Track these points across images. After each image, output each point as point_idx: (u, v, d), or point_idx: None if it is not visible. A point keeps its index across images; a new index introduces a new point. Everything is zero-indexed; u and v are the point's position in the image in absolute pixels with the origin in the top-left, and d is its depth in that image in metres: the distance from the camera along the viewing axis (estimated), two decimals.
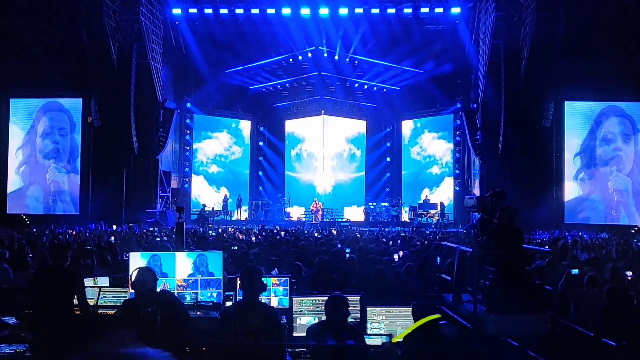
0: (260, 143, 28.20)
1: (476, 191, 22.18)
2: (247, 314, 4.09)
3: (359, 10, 22.44)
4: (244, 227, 18.99)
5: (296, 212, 26.25)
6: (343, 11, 22.40)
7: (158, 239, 13.06)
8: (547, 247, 10.89)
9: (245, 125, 27.83)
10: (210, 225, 20.33)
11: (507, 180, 19.46)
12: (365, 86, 26.88)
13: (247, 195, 26.75)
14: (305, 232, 17.35)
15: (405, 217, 25.47)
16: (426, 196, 25.10)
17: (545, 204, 20.50)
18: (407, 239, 13.83)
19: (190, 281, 5.72)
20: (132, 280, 4.65)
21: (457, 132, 24.82)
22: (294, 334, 5.24)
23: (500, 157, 20.67)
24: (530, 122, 20.63)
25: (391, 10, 22.34)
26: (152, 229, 17.29)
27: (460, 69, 23.64)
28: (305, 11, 22.33)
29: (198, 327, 5.15)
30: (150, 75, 21.21)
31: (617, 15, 19.00)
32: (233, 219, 24.79)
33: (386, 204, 25.62)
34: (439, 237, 14.64)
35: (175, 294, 5.56)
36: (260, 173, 28.03)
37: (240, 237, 14.25)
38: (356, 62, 25.48)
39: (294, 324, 5.28)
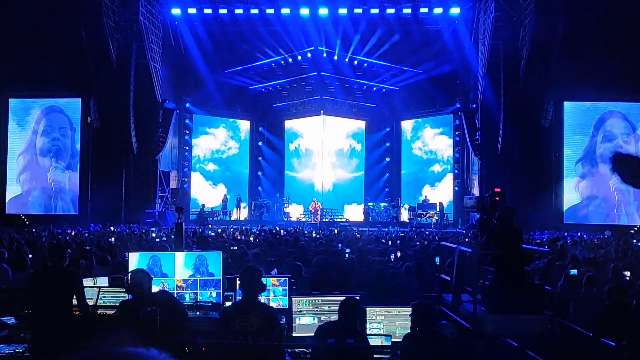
0: (260, 143, 28.19)
1: (475, 191, 22.18)
2: (247, 314, 4.09)
3: (358, 11, 22.46)
4: (243, 228, 18.97)
5: (295, 212, 26.26)
6: (342, 11, 22.40)
7: (158, 239, 13.06)
8: (546, 247, 10.89)
9: (244, 125, 27.82)
10: (209, 226, 20.31)
11: (506, 181, 19.47)
12: (365, 86, 26.90)
13: (246, 195, 26.73)
14: (305, 232, 17.34)
15: (404, 217, 25.48)
16: (425, 196, 25.09)
17: (545, 204, 20.51)
18: (406, 239, 13.83)
19: (189, 281, 5.72)
20: (129, 283, 4.66)
21: (456, 133, 24.83)
22: (294, 334, 5.24)
23: (500, 157, 20.68)
24: (529, 122, 20.63)
25: (390, 11, 22.36)
26: (148, 229, 17.26)
27: (460, 69, 23.65)
28: (304, 11, 22.33)
29: (198, 327, 5.15)
30: (149, 76, 21.20)
31: (616, 15, 19.00)
32: (232, 219, 24.78)
33: (385, 204, 25.63)
34: (438, 238, 14.63)
35: (175, 294, 5.56)
36: (260, 173, 28.02)
37: (240, 237, 14.24)
38: (355, 62, 25.49)
39: (294, 324, 5.28)
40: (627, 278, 7.73)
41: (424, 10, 22.12)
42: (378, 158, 27.98)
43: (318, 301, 5.33)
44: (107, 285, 6.36)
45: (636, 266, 8.76)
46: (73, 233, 15.34)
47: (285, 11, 22.35)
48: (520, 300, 4.92)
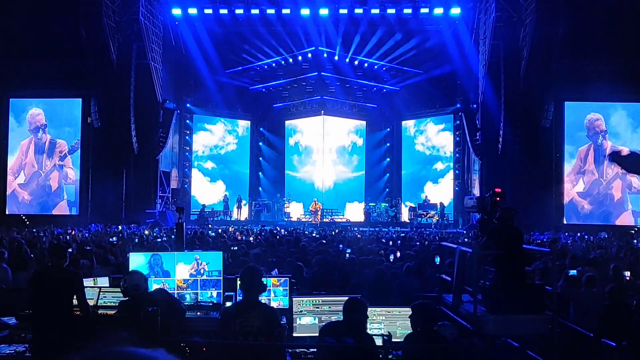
0: (260, 143, 28.19)
1: (476, 191, 22.18)
2: (247, 314, 4.09)
3: (358, 11, 22.47)
4: (243, 228, 18.98)
5: (296, 212, 26.28)
6: (343, 11, 22.41)
7: (158, 240, 13.06)
8: (546, 247, 10.88)
9: (244, 124, 27.82)
10: (210, 226, 20.32)
11: (506, 181, 19.46)
12: (365, 87, 26.90)
13: (246, 195, 26.75)
14: (306, 232, 17.35)
15: (405, 217, 25.49)
16: (426, 196, 25.10)
17: (545, 204, 20.50)
18: (406, 239, 13.83)
19: (190, 282, 5.72)
20: (125, 285, 4.67)
21: (457, 133, 24.82)
22: (294, 334, 5.24)
23: (500, 157, 20.67)
24: (529, 122, 20.63)
25: (391, 11, 22.38)
26: (146, 229, 17.27)
27: (460, 69, 23.64)
28: (305, 11, 22.34)
29: (198, 327, 5.15)
30: (150, 76, 21.20)
31: (616, 16, 18.98)
32: (233, 219, 24.80)
33: (385, 204, 25.65)
34: (439, 238, 14.63)
35: (175, 294, 5.56)
36: (260, 173, 28.03)
37: (240, 237, 14.24)
38: (356, 62, 25.50)
39: (294, 324, 5.28)
40: (627, 278, 7.73)
41: (424, 10, 22.13)
42: (379, 158, 27.99)
43: (319, 301, 5.34)
44: (107, 285, 6.37)
45: (636, 266, 8.76)
46: (73, 233, 15.34)
47: (286, 11, 22.36)
48: (521, 301, 4.92)
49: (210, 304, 5.63)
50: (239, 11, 22.56)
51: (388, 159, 27.84)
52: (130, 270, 5.20)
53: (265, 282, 4.44)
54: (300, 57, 25.47)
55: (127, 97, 20.93)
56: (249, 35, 23.81)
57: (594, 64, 19.97)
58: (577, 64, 20.09)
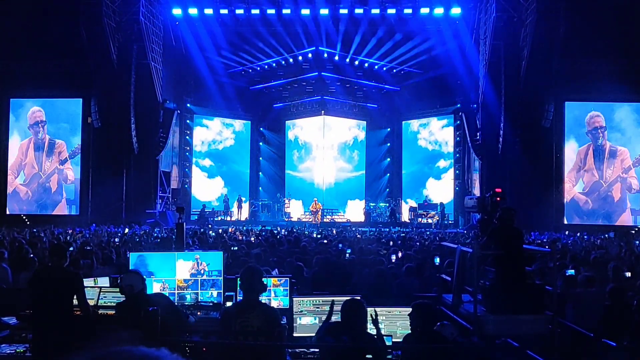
0: (260, 143, 28.20)
1: (476, 191, 22.17)
2: (248, 314, 4.09)
3: (359, 11, 22.46)
4: (244, 228, 18.98)
5: (296, 212, 26.30)
6: (343, 11, 22.41)
7: (158, 240, 13.06)
8: (547, 247, 10.88)
9: (245, 125, 27.83)
10: (210, 226, 20.32)
11: (506, 181, 19.45)
12: (365, 87, 26.89)
13: (247, 195, 26.77)
14: (306, 232, 17.35)
15: (405, 217, 25.50)
16: (427, 196, 25.10)
17: (546, 204, 20.51)
18: (406, 239, 13.83)
19: (190, 282, 5.72)
20: (121, 285, 4.67)
21: (457, 133, 24.82)
22: (294, 335, 5.24)
23: (500, 157, 20.67)
24: (530, 122, 20.62)
25: (391, 11, 22.37)
26: (144, 230, 17.27)
27: (460, 69, 23.61)
28: (305, 11, 22.34)
29: (198, 327, 5.15)
30: (150, 76, 21.21)
31: (617, 16, 18.99)
32: (233, 219, 24.81)
33: (386, 204, 25.66)
34: (439, 238, 14.62)
35: (175, 294, 5.57)
36: (260, 173, 28.04)
37: (241, 237, 14.24)
38: (356, 62, 25.50)
39: (294, 325, 5.28)
40: (627, 276, 7.72)
41: (424, 10, 22.11)
42: (379, 158, 27.99)
43: (319, 301, 5.34)
44: (108, 285, 6.37)
45: (637, 266, 8.75)
46: (73, 233, 15.34)
47: (286, 11, 22.36)
48: (521, 301, 4.92)
49: (211, 304, 5.63)
50: (240, 11, 22.56)
51: (388, 159, 27.84)
52: (129, 270, 5.20)
53: (265, 282, 4.44)
54: (300, 57, 25.47)
55: (127, 97, 20.94)
56: (250, 35, 23.80)
57: (594, 64, 19.96)
58: (577, 63, 20.08)
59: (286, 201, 26.15)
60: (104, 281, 6.44)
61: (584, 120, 21.60)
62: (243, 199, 26.01)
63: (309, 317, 5.29)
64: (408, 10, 22.23)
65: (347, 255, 9.96)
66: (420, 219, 24.05)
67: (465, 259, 5.40)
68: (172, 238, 11.84)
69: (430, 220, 23.70)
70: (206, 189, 26.03)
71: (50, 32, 20.17)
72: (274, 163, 28.19)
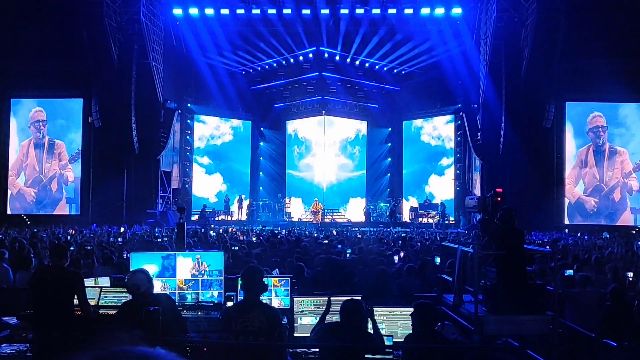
0: (261, 143, 28.20)
1: (477, 191, 22.17)
2: (248, 314, 4.08)
3: (360, 11, 22.47)
4: (244, 228, 18.98)
5: (297, 213, 26.30)
6: (344, 11, 22.41)
7: (159, 240, 13.07)
8: (547, 247, 10.88)
9: (244, 122, 27.81)
10: (211, 226, 20.33)
11: (507, 181, 19.45)
12: (366, 87, 26.89)
13: (248, 195, 26.77)
14: (307, 232, 17.35)
15: (405, 217, 25.49)
16: (428, 195, 25.10)
17: (546, 204, 20.50)
18: (407, 239, 13.83)
19: (191, 283, 5.72)
20: (127, 284, 4.66)
21: (458, 133, 24.81)
22: (295, 335, 5.23)
23: (501, 157, 20.65)
24: (531, 122, 20.62)
25: (392, 11, 22.36)
26: (145, 230, 17.28)
27: (461, 69, 23.62)
28: (306, 11, 22.34)
29: (199, 327, 5.15)
30: (151, 76, 21.22)
31: (617, 16, 18.99)
32: (234, 219, 24.81)
33: (386, 204, 25.65)
34: (440, 238, 14.62)
35: (176, 294, 5.56)
36: (261, 173, 28.04)
37: (242, 237, 14.24)
38: (357, 62, 25.50)
39: (295, 324, 5.28)
40: (630, 279, 7.72)
41: (425, 10, 22.11)
42: (380, 158, 27.99)
43: (320, 301, 5.33)
44: (108, 285, 6.36)
45: (637, 267, 8.75)
46: (74, 232, 15.36)
47: (287, 11, 22.37)
48: (522, 301, 4.91)
49: (211, 304, 5.63)
50: (240, 11, 22.56)
51: (389, 159, 27.83)
52: (134, 269, 5.18)
53: (266, 282, 4.44)
54: (301, 57, 25.48)
55: (128, 97, 20.94)
56: (250, 35, 23.80)
57: (594, 64, 19.96)
58: (578, 63, 20.09)
59: (287, 201, 26.17)
60: (105, 281, 6.44)
61: (585, 120, 21.59)
62: (243, 196, 26.01)
63: (309, 317, 5.29)
64: (409, 11, 22.23)
65: (347, 255, 9.96)
66: (420, 219, 24.05)
67: (466, 259, 5.39)
68: (154, 241, 11.89)
69: (430, 220, 23.69)
70: (204, 185, 26.01)
71: (51, 32, 20.19)
72: (274, 163, 28.19)
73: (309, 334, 5.13)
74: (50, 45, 20.44)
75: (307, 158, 28.21)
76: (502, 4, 20.13)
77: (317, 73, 26.40)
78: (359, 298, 4.65)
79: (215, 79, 24.74)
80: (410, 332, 4.59)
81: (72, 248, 9.62)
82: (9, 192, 22.22)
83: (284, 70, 26.46)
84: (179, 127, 24.77)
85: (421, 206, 24.51)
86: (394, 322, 5.20)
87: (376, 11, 22.43)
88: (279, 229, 18.34)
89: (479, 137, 22.00)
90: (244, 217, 25.27)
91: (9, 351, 5.07)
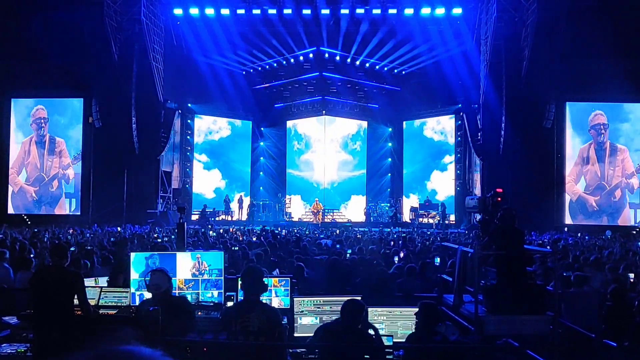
0: (262, 143, 28.20)
1: (477, 191, 22.16)
2: (248, 314, 4.08)
3: (360, 11, 22.46)
4: (244, 228, 18.98)
5: (297, 213, 26.30)
6: (344, 11, 22.41)
7: (159, 240, 13.06)
8: (548, 247, 10.87)
9: (245, 124, 27.81)
10: (210, 226, 20.32)
11: (508, 181, 19.43)
12: (366, 87, 26.89)
13: (248, 195, 26.78)
14: (307, 232, 17.35)
15: (406, 217, 25.48)
16: (429, 192, 25.09)
17: (546, 204, 20.48)
18: (407, 239, 13.82)
19: (191, 283, 5.72)
20: (147, 283, 4.66)
21: (458, 133, 24.80)
22: (295, 335, 5.23)
23: (501, 157, 20.65)
24: (531, 122, 20.61)
25: (392, 11, 22.37)
26: (150, 229, 17.27)
27: (462, 69, 23.61)
28: (306, 11, 22.34)
29: (199, 327, 5.15)
30: (151, 76, 21.23)
31: (617, 16, 18.97)
32: (234, 218, 24.80)
33: (386, 204, 25.65)
34: (440, 238, 14.62)
35: (176, 294, 5.56)
36: (261, 173, 28.04)
37: (241, 237, 14.24)
38: (357, 62, 25.49)
39: (295, 325, 5.28)
40: (631, 280, 7.72)
41: (426, 10, 22.12)
42: (380, 158, 27.99)
43: (320, 301, 5.33)
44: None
45: (636, 266, 8.74)
46: (74, 232, 15.35)
47: (287, 11, 22.37)
48: (522, 301, 4.92)
49: (212, 304, 5.63)
50: (241, 11, 22.57)
51: (390, 159, 27.83)
52: (155, 268, 5.16)
53: (266, 282, 4.44)
54: (301, 57, 25.49)
55: (128, 96, 20.96)
56: (251, 35, 23.80)
57: (595, 64, 19.94)
58: (578, 64, 20.07)
59: (287, 201, 26.15)
60: (104, 281, 6.45)
61: (585, 120, 21.59)
62: (242, 193, 25.99)
63: (309, 317, 5.29)
64: (409, 11, 22.24)
65: (348, 255, 9.95)
66: (421, 219, 24.04)
67: (466, 259, 5.40)
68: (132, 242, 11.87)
69: (431, 220, 23.69)
70: (203, 181, 26.00)
71: (51, 32, 20.18)
72: (275, 163, 28.19)
73: (309, 334, 5.13)
74: (51, 45, 20.44)
75: (307, 154, 28.18)
76: (503, 4, 20.12)
77: (318, 73, 26.40)
78: (359, 298, 4.65)
79: (215, 79, 24.71)
80: (411, 332, 4.60)
81: (72, 248, 9.61)
82: (10, 189, 22.23)
83: (284, 70, 26.46)
84: (179, 127, 24.78)
85: (421, 206, 24.50)
86: (394, 322, 5.20)
87: (376, 11, 22.44)
88: (279, 229, 18.33)
89: (479, 137, 22.00)
90: (244, 217, 25.27)
91: (9, 351, 5.07)
